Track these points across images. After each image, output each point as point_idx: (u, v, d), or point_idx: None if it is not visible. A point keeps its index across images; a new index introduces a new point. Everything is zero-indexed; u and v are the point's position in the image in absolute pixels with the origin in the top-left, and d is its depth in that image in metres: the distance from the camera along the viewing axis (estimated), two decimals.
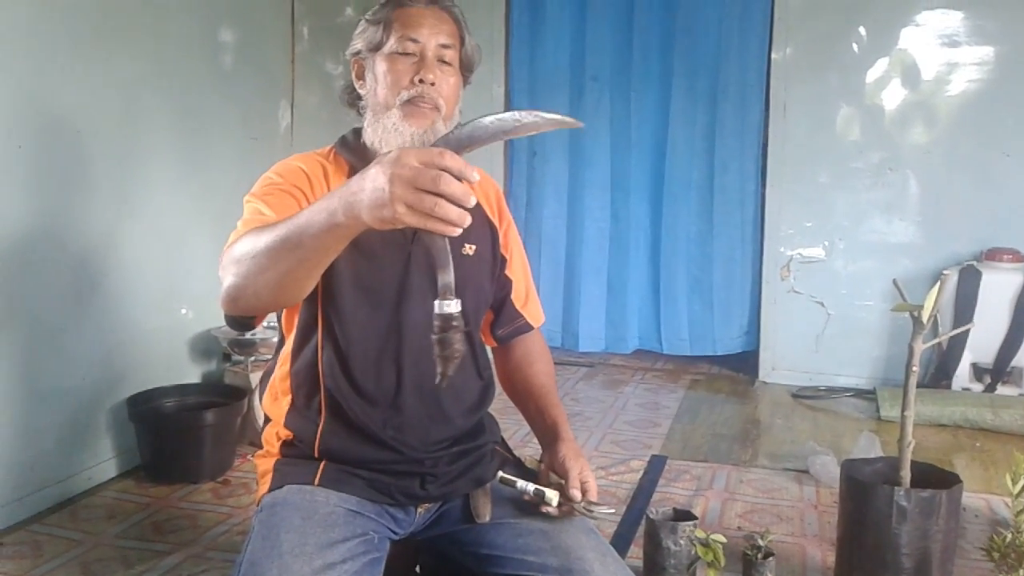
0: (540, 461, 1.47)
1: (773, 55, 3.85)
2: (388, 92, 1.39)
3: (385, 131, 1.38)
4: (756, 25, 3.93)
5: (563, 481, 1.38)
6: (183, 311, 2.96)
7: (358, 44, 1.44)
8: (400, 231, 1.40)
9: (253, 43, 3.32)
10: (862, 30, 3.72)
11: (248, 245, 1.13)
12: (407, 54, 1.38)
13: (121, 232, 2.70)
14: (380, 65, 1.40)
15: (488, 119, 1.00)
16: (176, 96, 2.91)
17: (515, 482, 1.37)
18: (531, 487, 1.37)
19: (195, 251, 3.01)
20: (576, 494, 1.36)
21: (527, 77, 4.29)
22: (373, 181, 0.94)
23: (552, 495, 1.35)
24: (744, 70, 3.99)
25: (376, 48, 1.41)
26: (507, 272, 1.56)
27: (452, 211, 0.92)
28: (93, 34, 2.56)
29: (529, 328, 1.61)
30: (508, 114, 1.01)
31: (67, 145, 2.50)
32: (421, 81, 1.37)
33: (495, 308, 1.57)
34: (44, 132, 2.42)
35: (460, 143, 1.00)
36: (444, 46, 1.40)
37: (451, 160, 0.92)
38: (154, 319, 2.85)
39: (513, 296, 1.58)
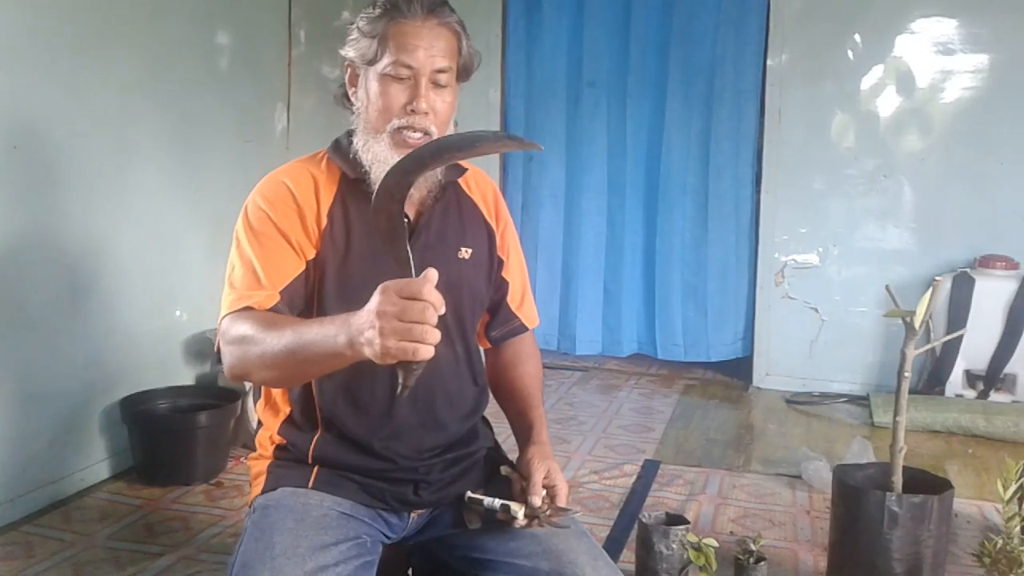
0: (513, 468, 1.43)
1: (768, 61, 3.86)
2: (379, 117, 1.35)
3: (375, 158, 1.35)
4: (752, 31, 3.94)
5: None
6: (177, 313, 2.96)
7: (351, 52, 1.38)
8: (396, 231, 1.40)
9: (249, 46, 3.32)
10: (857, 37, 3.73)
11: (253, 345, 1.22)
12: (400, 78, 1.34)
13: (116, 234, 2.70)
14: (372, 85, 1.35)
15: (453, 137, 1.06)
16: (172, 99, 2.91)
17: (482, 501, 1.34)
18: (498, 503, 1.32)
19: (190, 253, 3.01)
20: (536, 500, 1.32)
21: (523, 83, 4.30)
22: (366, 322, 1.05)
23: (517, 508, 1.31)
24: (740, 76, 4.00)
25: (369, 63, 1.35)
26: (504, 274, 1.55)
27: (431, 335, 1.03)
28: (89, 37, 2.56)
29: (524, 330, 1.60)
30: (470, 132, 1.06)
31: (62, 147, 2.50)
32: (413, 111, 1.33)
33: (491, 310, 1.56)
34: (39, 134, 2.42)
35: (422, 161, 1.09)
36: (440, 71, 1.34)
37: (429, 294, 1.03)
38: (148, 321, 2.85)
39: (509, 298, 1.57)
